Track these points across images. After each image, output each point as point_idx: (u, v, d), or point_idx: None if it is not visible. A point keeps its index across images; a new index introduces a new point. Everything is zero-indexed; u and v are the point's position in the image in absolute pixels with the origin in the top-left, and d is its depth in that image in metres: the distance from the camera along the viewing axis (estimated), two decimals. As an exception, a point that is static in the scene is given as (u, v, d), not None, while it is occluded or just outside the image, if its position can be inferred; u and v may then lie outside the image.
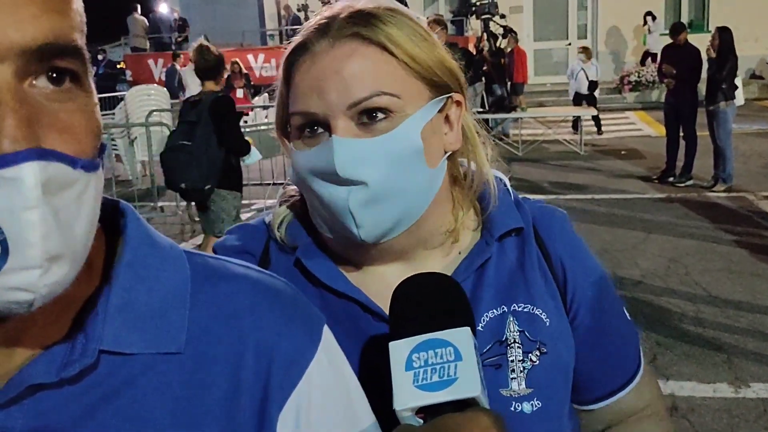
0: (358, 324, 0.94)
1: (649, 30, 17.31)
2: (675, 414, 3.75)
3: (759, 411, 3.75)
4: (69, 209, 0.56)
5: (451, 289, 0.76)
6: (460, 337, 0.69)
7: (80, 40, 0.59)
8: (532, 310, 0.95)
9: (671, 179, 8.96)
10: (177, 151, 4.86)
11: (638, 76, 16.46)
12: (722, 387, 4.01)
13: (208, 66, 5.11)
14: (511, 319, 0.94)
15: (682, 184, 8.82)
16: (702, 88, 8.71)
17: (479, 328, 0.93)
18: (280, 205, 1.02)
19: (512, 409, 0.91)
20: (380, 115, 0.86)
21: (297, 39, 0.92)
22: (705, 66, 8.64)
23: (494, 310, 0.94)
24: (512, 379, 0.92)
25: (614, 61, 18.54)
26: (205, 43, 5.23)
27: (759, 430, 3.58)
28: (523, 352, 0.93)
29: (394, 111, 0.87)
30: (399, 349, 0.70)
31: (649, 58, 16.76)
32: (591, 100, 12.70)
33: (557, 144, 11.89)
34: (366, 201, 0.86)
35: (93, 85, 0.62)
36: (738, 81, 8.54)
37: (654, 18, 17.16)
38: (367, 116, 0.86)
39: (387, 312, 0.87)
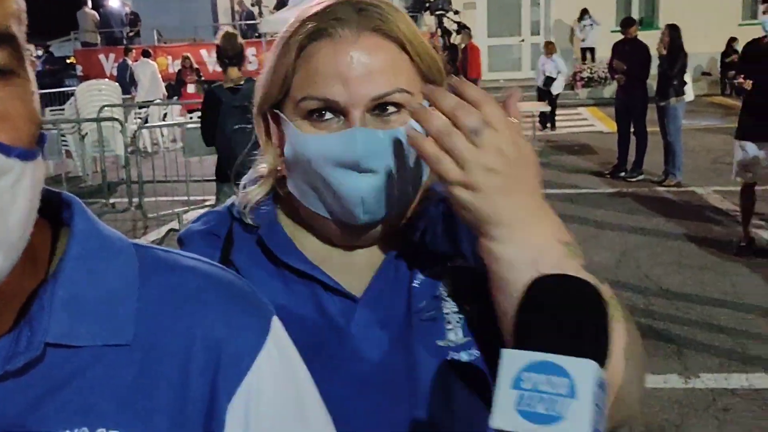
0: (320, 302, 0.96)
1: (583, 26, 17.73)
2: (627, 405, 3.80)
3: (708, 401, 3.83)
4: (2, 198, 0.56)
5: (594, 306, 0.66)
6: (582, 370, 0.60)
7: (15, 27, 0.58)
8: (464, 263, 0.98)
9: (623, 174, 9.11)
10: (248, 133, 4.81)
11: (590, 73, 16.72)
12: (673, 378, 4.08)
13: (236, 52, 5.27)
14: (446, 274, 0.98)
15: (634, 179, 8.97)
16: (653, 84, 8.87)
17: (415, 284, 0.96)
18: (250, 185, 1.04)
19: (449, 358, 0.94)
20: (392, 109, 0.91)
21: (310, 23, 0.92)
22: (656, 63, 8.79)
23: (430, 269, 0.98)
24: (449, 330, 0.95)
25: (566, 58, 18.77)
26: (232, 30, 5.54)
27: (708, 420, 3.65)
28: (457, 305, 0.97)
29: (405, 106, 0.92)
30: (512, 361, 0.63)
31: (588, 54, 17.46)
32: (551, 96, 12.77)
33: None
34: (376, 188, 0.90)
35: (31, 73, 0.60)
36: (688, 77, 8.72)
37: (589, 15, 17.60)
38: (381, 109, 0.91)
39: (349, 289, 0.95)
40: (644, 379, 0.86)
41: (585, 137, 12.23)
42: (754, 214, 6.21)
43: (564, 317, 0.65)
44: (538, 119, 12.46)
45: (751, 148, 5.95)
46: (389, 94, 0.90)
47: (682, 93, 8.52)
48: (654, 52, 8.82)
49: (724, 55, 16.45)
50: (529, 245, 0.81)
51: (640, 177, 8.99)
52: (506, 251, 0.81)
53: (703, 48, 14.87)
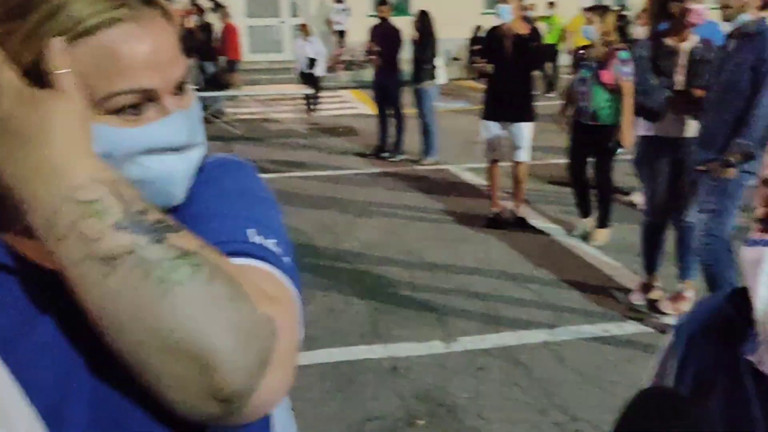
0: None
1: (337, 10, 18.27)
2: (395, 374, 4.01)
3: (467, 361, 4.14)
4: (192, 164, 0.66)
5: (697, 421, 0.74)
6: None
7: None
8: None
9: (385, 155, 9.50)
10: None
11: (351, 56, 17.17)
12: (435, 344, 4.36)
13: None
14: None
15: (395, 160, 9.39)
16: (408, 68, 9.30)
17: None
18: None
19: None
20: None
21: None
22: (410, 48, 9.19)
23: None
24: None
25: (325, 41, 19.13)
26: None
27: (467, 379, 3.95)
28: None
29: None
30: None
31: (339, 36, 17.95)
32: (314, 79, 12.84)
33: (276, 123, 12.02)
34: (193, 164, 0.87)
35: None
36: (439, 61, 9.24)
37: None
38: (179, 88, 0.85)
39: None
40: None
41: (348, 119, 12.57)
42: (499, 189, 6.77)
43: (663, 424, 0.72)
44: (305, 102, 12.58)
45: (495, 128, 6.47)
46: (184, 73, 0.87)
47: (434, 77, 9.03)
48: (408, 36, 9.22)
49: (473, 41, 17.69)
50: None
51: (401, 157, 9.42)
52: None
53: (453, 34, 15.83)
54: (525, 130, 6.41)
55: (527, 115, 6.41)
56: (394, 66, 9.41)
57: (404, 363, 4.14)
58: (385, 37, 9.31)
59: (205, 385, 0.67)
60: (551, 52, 14.42)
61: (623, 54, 5.63)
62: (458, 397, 3.77)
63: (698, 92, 4.39)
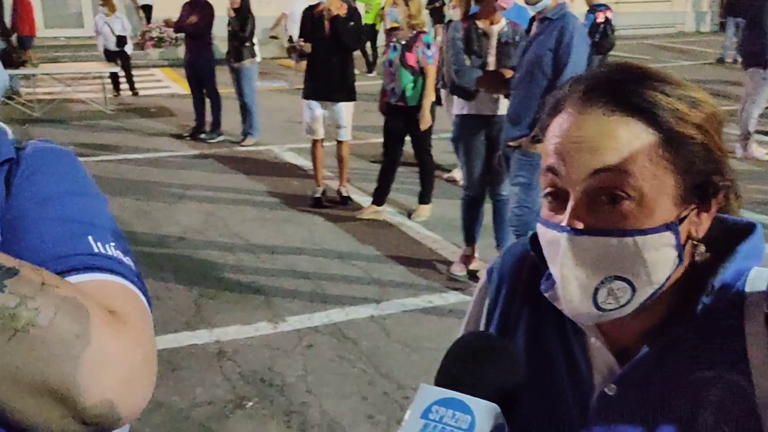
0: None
1: None
2: (222, 358, 3.91)
3: (295, 341, 4.12)
4: None
5: (504, 359, 0.77)
6: (484, 411, 0.68)
7: None
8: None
9: (203, 136, 9.21)
10: None
11: (160, 32, 16.35)
12: (263, 325, 4.30)
13: None
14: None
15: (214, 140, 9.12)
16: (222, 45, 9.03)
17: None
18: None
19: None
20: None
21: None
22: (227, 25, 8.92)
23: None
24: None
25: (130, 16, 18.11)
26: None
27: (296, 357, 3.93)
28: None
29: None
30: (426, 394, 0.71)
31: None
32: (123, 56, 12.10)
33: (80, 103, 11.25)
34: None
35: None
36: (255, 40, 9.04)
37: None
38: None
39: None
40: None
41: (161, 100, 12.02)
42: (323, 168, 6.78)
43: (484, 367, 0.74)
44: (110, 81, 11.86)
45: (315, 107, 6.46)
46: None
47: (255, 54, 8.86)
48: (222, 14, 8.94)
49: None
50: None
51: (220, 138, 9.17)
52: None
53: (269, 12, 15.59)
54: (345, 109, 6.43)
55: (347, 94, 6.40)
56: (206, 43, 9.11)
57: (231, 346, 4.05)
58: (197, 12, 8.95)
59: (68, 415, 0.71)
60: (371, 33, 14.62)
61: (426, 38, 5.79)
62: (288, 376, 3.75)
63: (508, 72, 4.62)
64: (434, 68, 5.84)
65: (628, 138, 0.82)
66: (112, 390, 0.73)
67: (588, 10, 9.35)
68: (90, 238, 0.84)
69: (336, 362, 3.88)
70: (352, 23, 6.36)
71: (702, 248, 0.87)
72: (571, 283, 0.83)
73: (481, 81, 4.66)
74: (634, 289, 0.83)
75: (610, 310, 0.84)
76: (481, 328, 1.08)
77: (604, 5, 9.49)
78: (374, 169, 7.70)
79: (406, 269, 5.15)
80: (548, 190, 0.86)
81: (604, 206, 0.82)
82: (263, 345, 4.07)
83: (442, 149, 6.98)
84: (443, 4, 14.30)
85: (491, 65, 4.73)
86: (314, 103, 6.47)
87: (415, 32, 5.84)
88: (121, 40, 11.95)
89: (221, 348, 4.03)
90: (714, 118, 0.88)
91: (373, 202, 6.30)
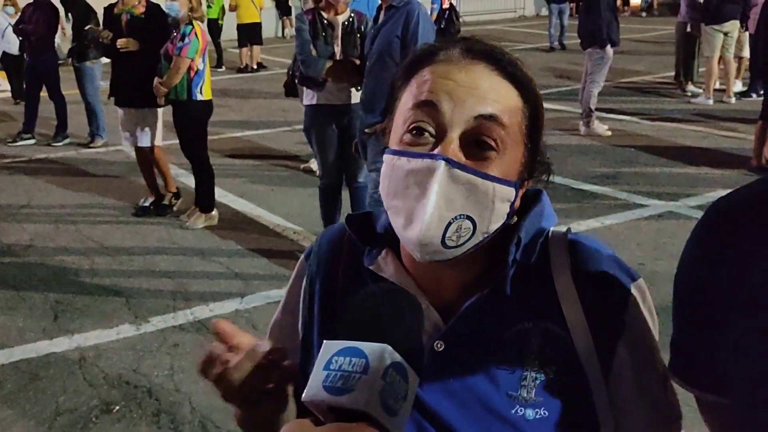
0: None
1: None
2: (84, 364, 3.82)
3: (160, 340, 4.08)
4: None
5: (402, 307, 0.80)
6: (377, 352, 0.73)
7: None
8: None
9: (53, 143, 8.76)
10: None
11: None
12: (125, 328, 4.22)
13: None
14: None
15: (59, 143, 8.73)
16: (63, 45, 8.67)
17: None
18: None
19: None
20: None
21: None
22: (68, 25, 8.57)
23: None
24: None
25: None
26: None
27: (162, 357, 3.90)
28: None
29: None
30: (327, 348, 0.75)
31: None
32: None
33: None
34: None
35: None
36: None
37: None
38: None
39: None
40: None
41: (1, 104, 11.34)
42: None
43: (378, 315, 0.78)
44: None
45: (125, 113, 6.10)
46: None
47: (100, 55, 8.52)
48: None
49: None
50: None
51: (66, 141, 8.79)
52: None
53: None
54: (149, 114, 6.04)
55: (152, 99, 5.83)
56: (49, 45, 8.69)
57: (93, 352, 3.96)
58: (37, 14, 8.54)
59: None
60: (215, 27, 14.43)
61: (184, 29, 5.60)
62: (154, 377, 3.71)
63: (355, 61, 4.75)
64: (182, 59, 5.49)
65: (508, 97, 0.94)
66: None
67: (433, -3, 9.67)
68: None
69: (203, 358, 3.87)
70: (152, 23, 5.96)
71: (515, 219, 1.00)
72: (433, 211, 0.90)
73: (329, 71, 4.76)
74: (474, 231, 0.92)
75: (451, 247, 0.92)
76: (301, 308, 1.13)
77: (447, -8, 9.87)
78: (230, 163, 7.66)
79: (269, 261, 5.18)
80: (418, 124, 0.93)
81: (473, 149, 0.91)
82: (127, 348, 4.00)
83: (296, 140, 7.03)
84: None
85: (338, 55, 4.84)
86: (120, 110, 6.10)
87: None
88: None
89: (83, 354, 3.93)
90: (542, 105, 1.01)
91: (201, 210, 5.95)
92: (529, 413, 0.94)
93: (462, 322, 0.98)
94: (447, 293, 1.01)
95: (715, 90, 9.87)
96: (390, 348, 0.73)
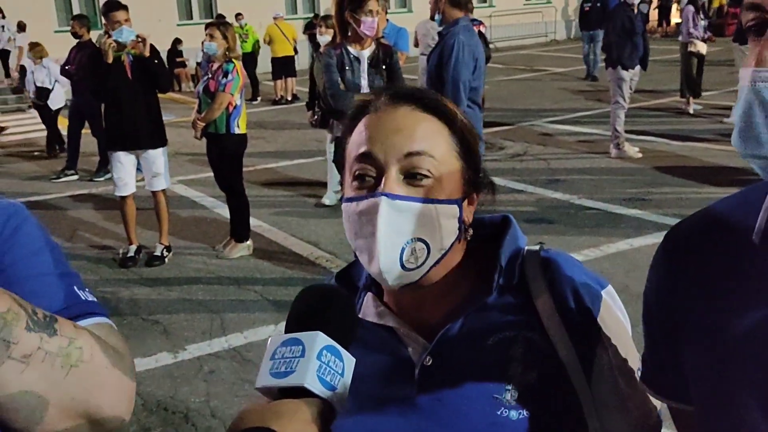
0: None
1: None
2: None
3: (196, 368, 4.21)
4: None
5: (333, 301, 0.92)
6: (311, 339, 0.84)
7: None
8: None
9: (71, 173, 9.08)
10: None
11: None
12: (163, 356, 4.37)
13: None
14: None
15: (102, 178, 8.96)
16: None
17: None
18: None
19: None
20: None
21: None
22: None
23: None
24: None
25: None
26: None
27: (198, 384, 4.03)
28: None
29: None
30: (273, 342, 0.86)
31: None
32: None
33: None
34: None
35: None
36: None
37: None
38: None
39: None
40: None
41: (43, 140, 11.70)
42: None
43: (313, 310, 0.90)
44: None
45: (124, 158, 5.96)
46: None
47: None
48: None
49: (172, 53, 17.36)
50: None
51: (108, 176, 8.96)
52: None
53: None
54: (158, 156, 6.03)
55: (158, 139, 5.98)
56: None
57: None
58: (81, 55, 8.82)
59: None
60: (252, 60, 14.83)
61: (226, 66, 5.80)
62: (191, 402, 3.84)
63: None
64: (225, 95, 5.71)
65: (433, 130, 1.07)
66: (126, 411, 0.95)
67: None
68: (75, 287, 1.02)
69: (238, 385, 4.00)
70: (157, 60, 5.93)
71: (470, 231, 1.11)
72: (385, 241, 1.02)
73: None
74: (428, 251, 1.04)
75: (412, 269, 1.04)
76: None
77: (477, 20, 9.98)
78: (266, 194, 7.84)
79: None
80: (360, 172, 1.06)
81: (412, 180, 1.04)
82: (164, 375, 4.14)
83: (317, 170, 7.07)
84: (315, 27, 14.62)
85: (364, 88, 4.99)
86: (122, 154, 5.95)
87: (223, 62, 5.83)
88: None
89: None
90: (472, 130, 1.13)
91: (236, 240, 6.08)
92: (513, 414, 1.03)
93: (448, 338, 1.09)
94: (432, 318, 1.11)
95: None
96: (322, 334, 0.85)
